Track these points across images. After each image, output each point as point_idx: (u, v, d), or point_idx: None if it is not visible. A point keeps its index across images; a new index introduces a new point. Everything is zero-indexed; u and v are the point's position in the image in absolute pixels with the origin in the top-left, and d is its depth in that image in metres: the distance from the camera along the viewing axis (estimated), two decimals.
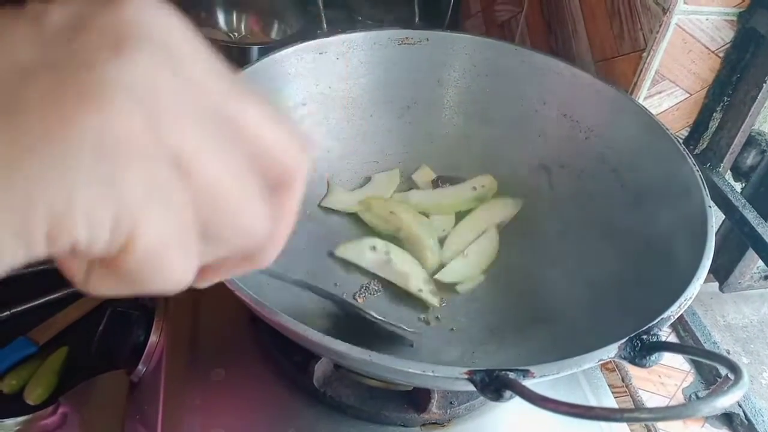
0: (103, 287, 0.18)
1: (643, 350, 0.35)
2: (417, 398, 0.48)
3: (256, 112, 0.19)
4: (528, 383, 0.32)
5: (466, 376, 0.33)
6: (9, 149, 0.14)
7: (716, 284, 0.65)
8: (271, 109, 0.19)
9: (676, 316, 0.38)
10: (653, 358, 0.35)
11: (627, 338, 0.35)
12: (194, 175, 0.16)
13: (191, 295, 0.56)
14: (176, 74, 0.16)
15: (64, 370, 0.59)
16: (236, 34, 0.97)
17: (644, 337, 0.35)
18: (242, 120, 0.18)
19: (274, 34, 0.97)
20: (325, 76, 0.61)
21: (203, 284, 0.22)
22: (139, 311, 0.53)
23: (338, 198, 0.63)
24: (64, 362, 0.59)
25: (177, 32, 0.17)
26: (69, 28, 0.16)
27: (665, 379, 0.58)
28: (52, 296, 0.64)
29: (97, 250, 0.16)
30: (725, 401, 0.28)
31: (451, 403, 0.48)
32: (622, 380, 0.58)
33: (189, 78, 0.17)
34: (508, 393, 0.32)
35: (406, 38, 0.62)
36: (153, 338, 0.52)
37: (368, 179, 0.65)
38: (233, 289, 0.37)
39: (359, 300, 0.55)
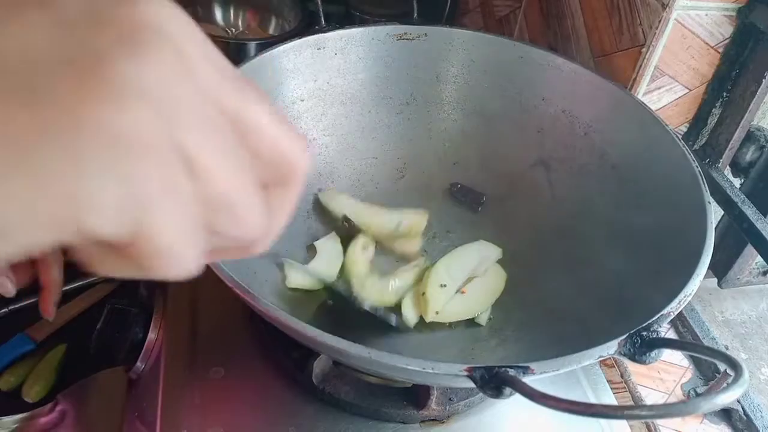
0: (113, 270, 0.18)
1: (643, 347, 0.35)
2: (416, 395, 0.48)
3: (260, 112, 0.19)
4: (528, 380, 0.32)
5: (465, 373, 0.33)
6: (25, 135, 0.15)
7: (715, 280, 0.66)
8: (273, 109, 0.20)
9: (676, 313, 0.38)
10: (653, 354, 0.35)
11: (627, 335, 0.35)
12: (202, 174, 0.17)
13: (190, 292, 0.56)
14: (187, 74, 0.17)
15: (63, 368, 0.59)
16: (234, 29, 0.96)
17: (644, 333, 0.35)
18: (247, 120, 0.19)
19: (272, 30, 0.97)
20: (324, 72, 0.60)
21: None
22: (137, 308, 0.53)
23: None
24: (63, 359, 0.59)
25: (188, 32, 0.18)
26: (85, 19, 0.16)
27: (664, 374, 0.58)
28: None
29: (108, 237, 0.16)
30: (725, 398, 0.28)
31: (450, 399, 0.48)
32: (621, 376, 0.58)
33: (199, 78, 0.18)
34: (508, 390, 0.32)
35: (405, 34, 0.62)
36: (152, 335, 0.52)
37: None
38: (232, 286, 0.36)
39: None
